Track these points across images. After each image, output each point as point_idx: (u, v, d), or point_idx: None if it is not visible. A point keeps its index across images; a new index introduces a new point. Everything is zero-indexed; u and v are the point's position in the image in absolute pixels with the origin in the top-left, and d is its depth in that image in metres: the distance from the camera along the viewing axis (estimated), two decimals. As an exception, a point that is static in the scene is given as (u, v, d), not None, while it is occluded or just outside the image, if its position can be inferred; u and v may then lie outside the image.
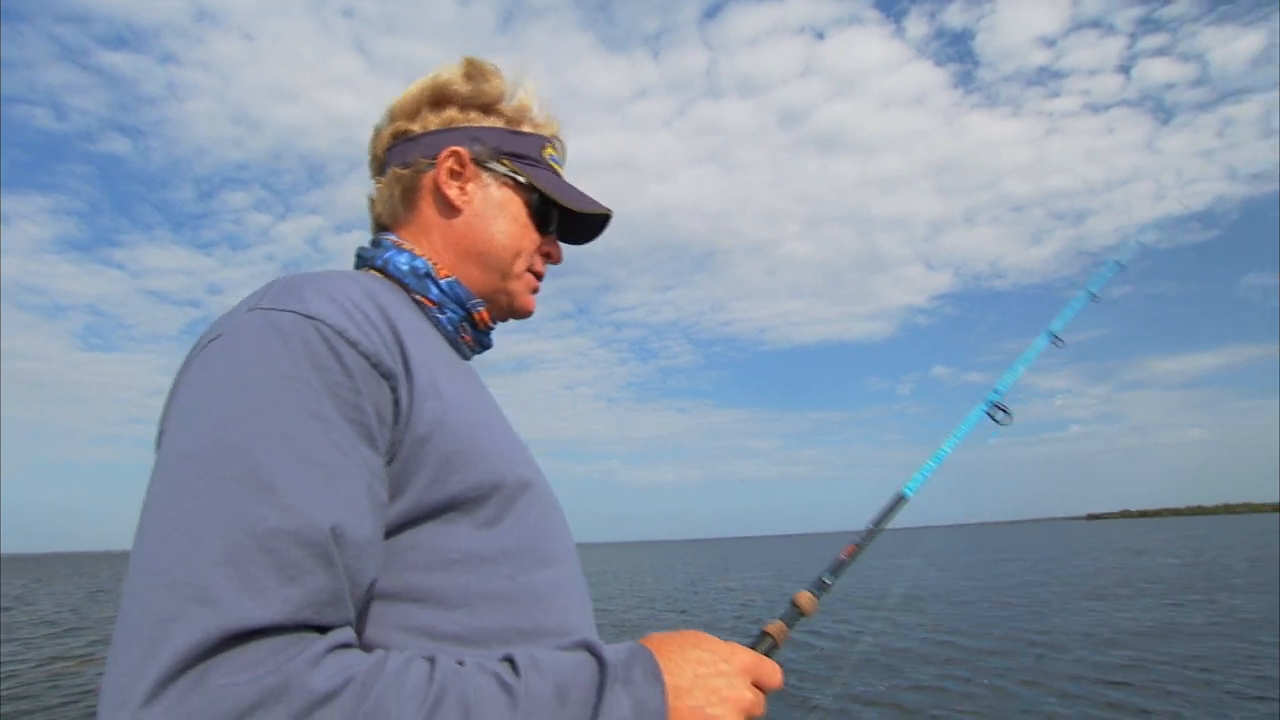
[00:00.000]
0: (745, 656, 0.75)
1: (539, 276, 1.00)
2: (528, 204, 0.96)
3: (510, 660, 0.64)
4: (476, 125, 0.94)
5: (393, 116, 0.96)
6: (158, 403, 0.74)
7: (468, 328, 0.93)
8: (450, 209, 0.93)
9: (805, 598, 0.98)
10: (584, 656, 0.67)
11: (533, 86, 1.00)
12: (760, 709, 0.74)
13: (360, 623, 0.67)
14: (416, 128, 0.94)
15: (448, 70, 0.96)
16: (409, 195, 0.93)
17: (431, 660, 0.62)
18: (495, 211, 0.94)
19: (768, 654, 0.85)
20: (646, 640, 0.73)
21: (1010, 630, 11.75)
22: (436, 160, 0.92)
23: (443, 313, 0.90)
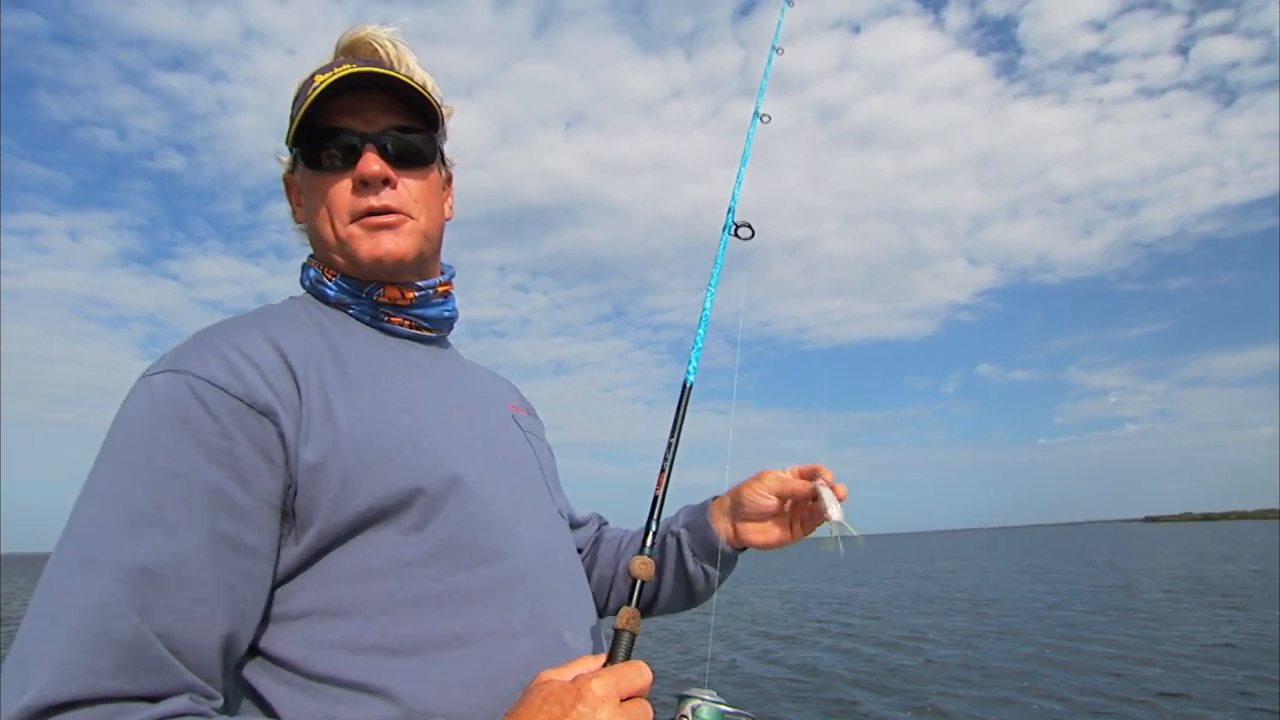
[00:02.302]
0: (596, 685, 0.68)
1: (372, 212, 0.86)
2: (304, 163, 0.88)
3: None
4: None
5: None
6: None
7: (390, 311, 0.88)
8: (302, 226, 0.94)
9: (638, 563, 0.86)
10: None
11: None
12: (644, 716, 0.69)
13: (288, 643, 0.70)
14: None
15: None
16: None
17: None
18: (306, 199, 0.91)
19: (628, 651, 0.75)
20: (508, 717, 0.68)
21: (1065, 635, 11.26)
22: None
23: (350, 309, 0.88)
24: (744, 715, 0.77)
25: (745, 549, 1.10)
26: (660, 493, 0.89)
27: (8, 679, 0.60)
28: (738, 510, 1.06)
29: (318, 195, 0.87)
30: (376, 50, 0.91)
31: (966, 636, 11.63)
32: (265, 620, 0.72)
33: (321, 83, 0.83)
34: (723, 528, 1.07)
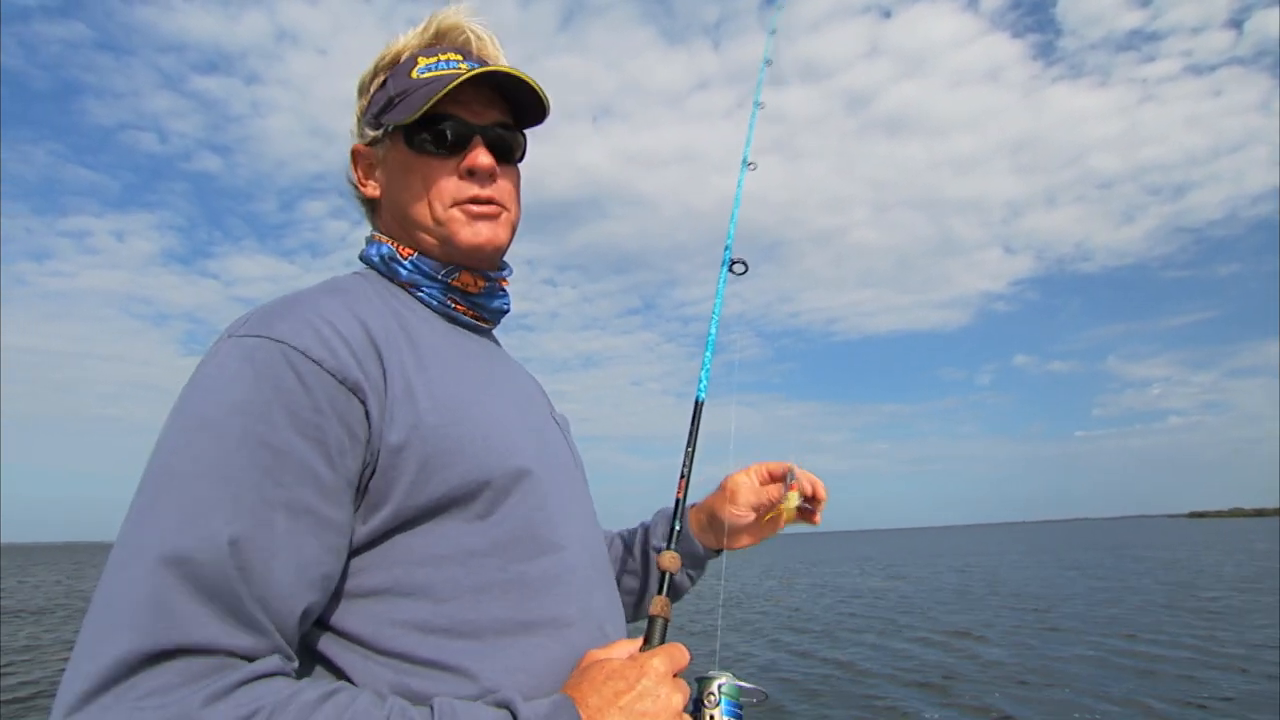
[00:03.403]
0: (654, 661, 0.75)
1: (476, 201, 0.90)
2: (409, 145, 0.89)
3: (430, 709, 0.66)
4: (363, 104, 0.94)
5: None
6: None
7: (458, 298, 0.91)
8: (376, 202, 0.95)
9: (668, 557, 0.96)
10: (502, 714, 0.67)
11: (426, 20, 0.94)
12: (687, 693, 0.76)
13: (356, 620, 0.72)
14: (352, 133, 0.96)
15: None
16: (361, 203, 0.98)
17: (352, 698, 0.64)
18: (394, 179, 0.91)
19: (663, 634, 0.84)
20: (569, 689, 0.73)
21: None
22: (351, 166, 0.96)
23: (421, 290, 0.90)
24: (760, 690, 0.85)
25: (715, 553, 1.19)
26: (681, 496, 1.00)
27: (99, 627, 0.60)
28: (715, 525, 1.15)
29: (415, 176, 0.89)
30: (471, 42, 0.94)
31: (1020, 635, 11.13)
32: (335, 595, 0.73)
33: (452, 76, 0.86)
34: (702, 540, 1.16)
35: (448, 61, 0.90)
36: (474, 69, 0.86)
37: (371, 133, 0.91)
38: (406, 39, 0.93)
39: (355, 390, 0.71)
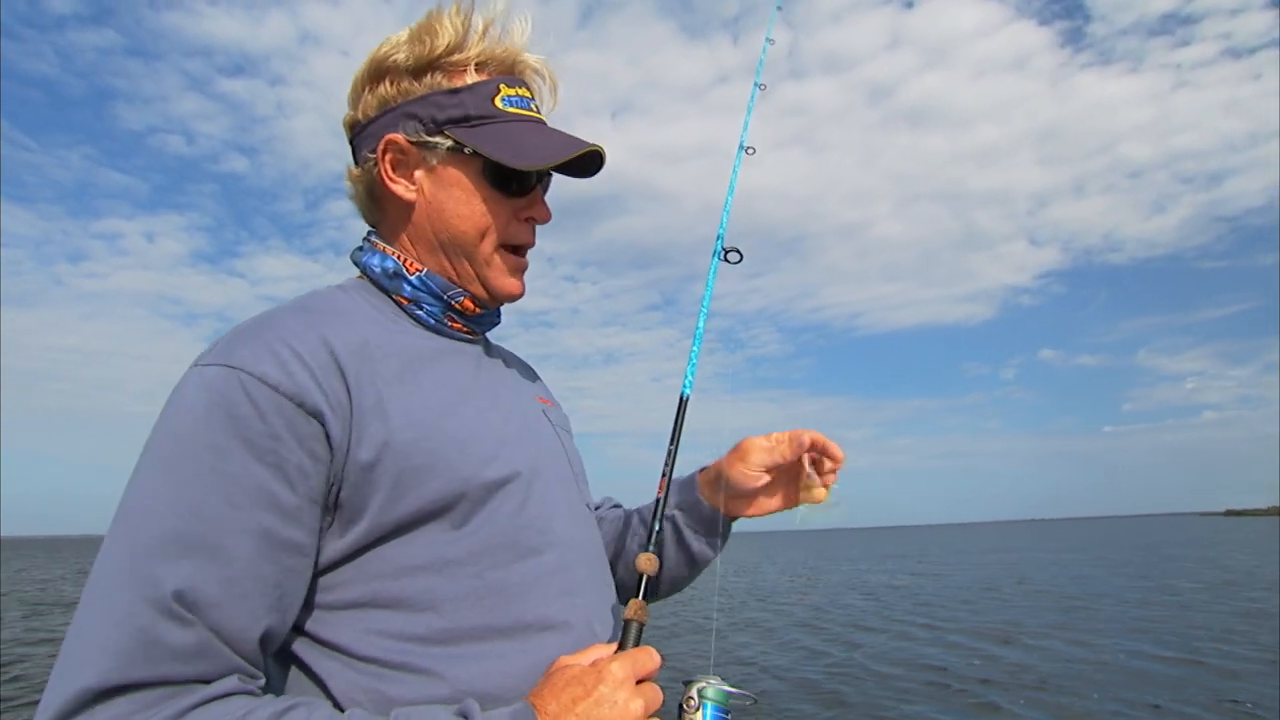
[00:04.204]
0: (613, 666, 0.75)
1: (521, 250, 0.92)
2: (482, 174, 0.87)
3: (385, 718, 0.68)
4: (411, 97, 0.87)
5: (347, 104, 0.92)
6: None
7: (455, 317, 0.91)
8: (404, 203, 0.89)
9: (644, 559, 0.92)
10: None
11: (486, 17, 0.88)
12: (656, 699, 0.75)
13: (335, 629, 0.74)
14: (360, 115, 0.90)
15: (396, 35, 0.88)
16: (372, 194, 0.91)
17: (308, 714, 0.66)
18: (447, 194, 0.88)
19: (638, 639, 0.81)
20: (532, 697, 0.73)
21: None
22: (377, 153, 0.87)
23: (420, 308, 0.89)
24: (748, 696, 0.82)
25: (737, 519, 1.10)
26: (662, 495, 0.95)
27: (66, 662, 0.63)
28: (726, 486, 1.05)
29: (477, 203, 0.87)
30: (533, 86, 0.93)
31: (1059, 635, 10.68)
32: (311, 607, 0.75)
33: (563, 139, 0.88)
34: (713, 502, 1.07)
35: (522, 99, 0.90)
36: (577, 141, 0.89)
37: (427, 135, 0.86)
38: (457, 33, 0.87)
39: (314, 413, 0.72)
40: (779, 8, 1.35)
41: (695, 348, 1.00)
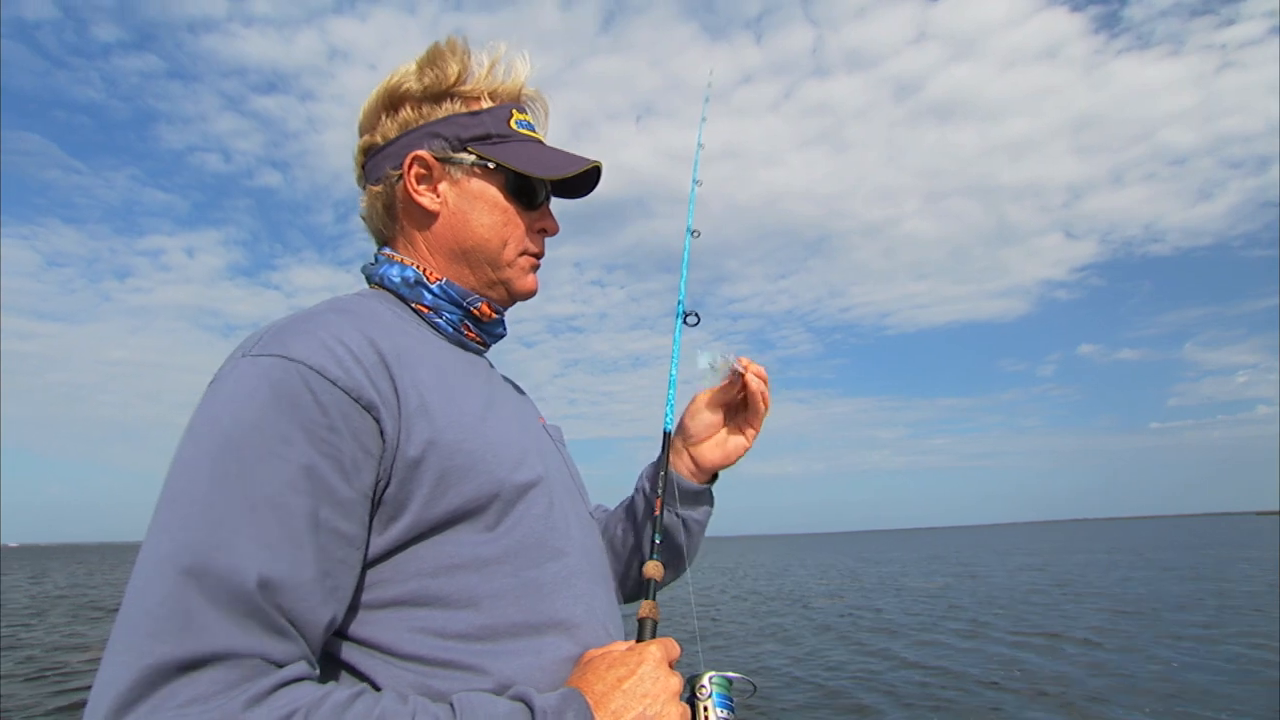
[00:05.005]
0: (652, 648, 0.82)
1: (538, 255, 1.02)
2: (504, 187, 0.97)
3: (451, 705, 0.70)
4: (433, 119, 0.95)
5: (359, 131, 0.99)
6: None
7: (470, 325, 0.98)
8: (427, 214, 0.96)
9: (652, 566, 1.02)
10: (518, 706, 0.72)
11: (491, 54, 0.99)
12: (680, 679, 0.82)
13: (377, 628, 0.76)
14: (379, 139, 0.97)
15: (404, 67, 0.97)
16: (390, 209, 0.98)
17: (378, 698, 0.68)
18: (471, 205, 0.96)
19: (653, 633, 0.90)
20: (575, 680, 0.79)
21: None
22: (403, 169, 0.95)
23: (440, 316, 0.95)
24: (750, 682, 0.91)
25: (714, 478, 1.18)
26: (659, 514, 1.06)
27: (130, 638, 0.61)
28: (689, 438, 1.15)
29: (499, 215, 0.96)
30: (534, 113, 1.04)
31: (1121, 641, 10.17)
32: (355, 607, 0.76)
33: (575, 172, 0.97)
34: (683, 463, 1.15)
35: (529, 124, 1.01)
36: (584, 157, 0.99)
37: (452, 152, 0.95)
38: (465, 65, 0.97)
39: (369, 407, 0.74)
40: (703, 120, 1.46)
41: (671, 391, 1.20)
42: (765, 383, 1.12)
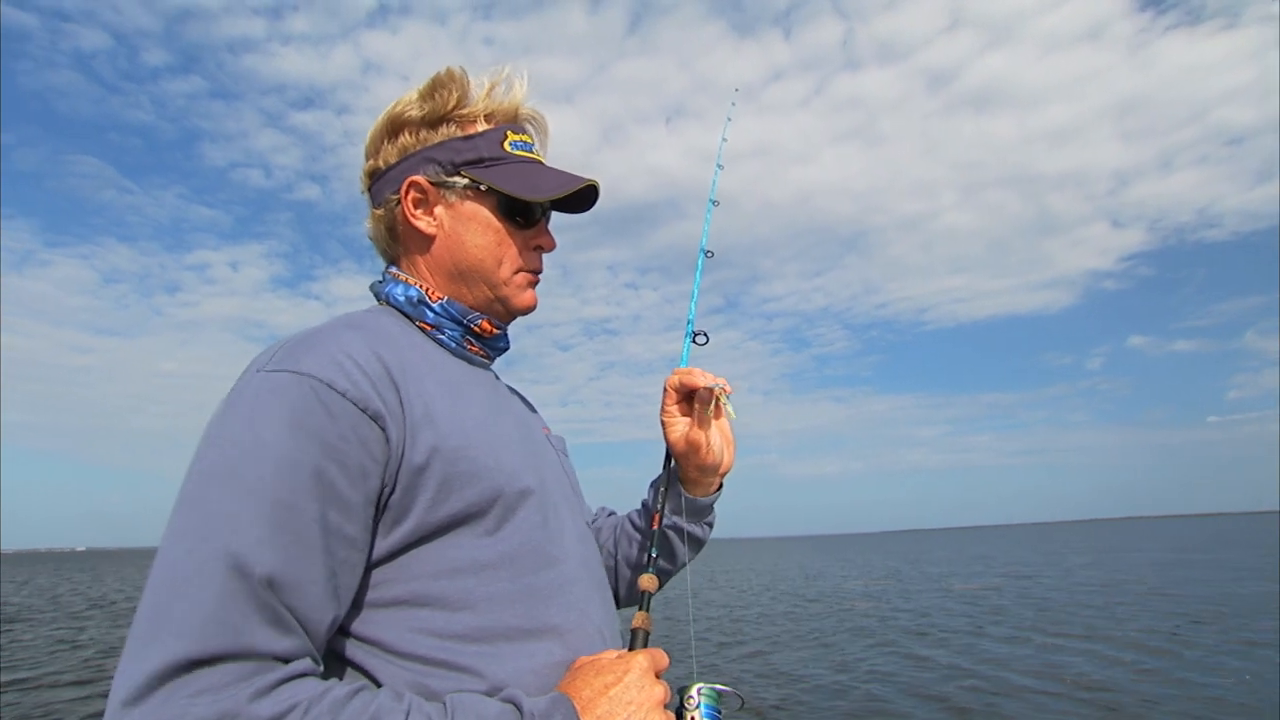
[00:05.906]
0: (639, 658, 0.85)
1: (535, 271, 1.04)
2: (496, 208, 0.99)
3: (444, 704, 0.74)
4: (429, 144, 0.99)
5: (365, 156, 1.04)
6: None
7: (473, 339, 1.02)
8: (425, 237, 1.00)
9: (647, 578, 1.06)
10: (508, 708, 0.75)
11: (493, 77, 1.01)
12: (667, 691, 0.85)
13: (378, 627, 0.80)
14: (381, 164, 1.01)
15: (407, 95, 1.01)
16: (393, 231, 1.02)
17: (374, 695, 0.71)
18: (465, 227, 0.99)
19: (645, 643, 0.93)
20: (564, 686, 0.82)
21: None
22: (400, 194, 0.99)
23: (442, 333, 0.99)
24: (736, 694, 0.93)
25: (717, 491, 1.18)
26: (657, 528, 1.12)
27: (149, 633, 0.65)
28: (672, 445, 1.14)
29: (493, 235, 0.99)
30: (532, 133, 1.05)
31: (1211, 653, 9.24)
32: (358, 606, 0.80)
33: (564, 193, 0.98)
34: (686, 475, 1.15)
35: (525, 144, 1.02)
36: (577, 177, 1.01)
37: (446, 176, 0.97)
38: (464, 90, 1.00)
39: (375, 417, 0.78)
40: (724, 139, 1.50)
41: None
42: (686, 375, 1.11)
